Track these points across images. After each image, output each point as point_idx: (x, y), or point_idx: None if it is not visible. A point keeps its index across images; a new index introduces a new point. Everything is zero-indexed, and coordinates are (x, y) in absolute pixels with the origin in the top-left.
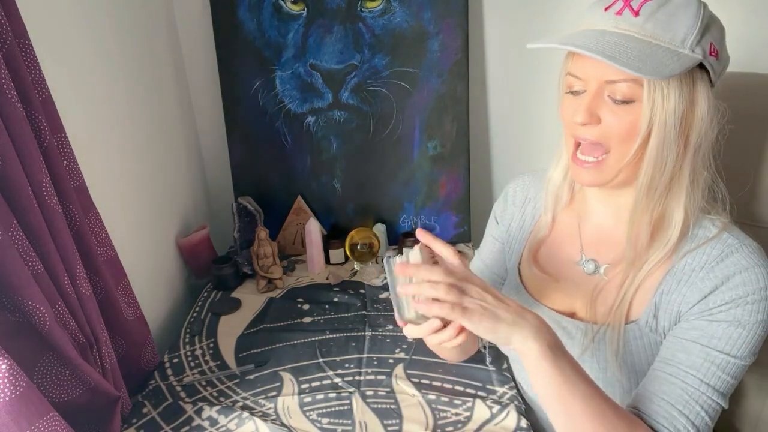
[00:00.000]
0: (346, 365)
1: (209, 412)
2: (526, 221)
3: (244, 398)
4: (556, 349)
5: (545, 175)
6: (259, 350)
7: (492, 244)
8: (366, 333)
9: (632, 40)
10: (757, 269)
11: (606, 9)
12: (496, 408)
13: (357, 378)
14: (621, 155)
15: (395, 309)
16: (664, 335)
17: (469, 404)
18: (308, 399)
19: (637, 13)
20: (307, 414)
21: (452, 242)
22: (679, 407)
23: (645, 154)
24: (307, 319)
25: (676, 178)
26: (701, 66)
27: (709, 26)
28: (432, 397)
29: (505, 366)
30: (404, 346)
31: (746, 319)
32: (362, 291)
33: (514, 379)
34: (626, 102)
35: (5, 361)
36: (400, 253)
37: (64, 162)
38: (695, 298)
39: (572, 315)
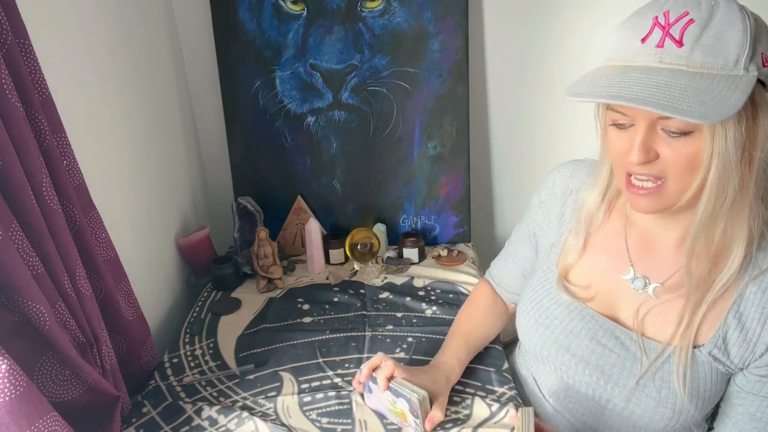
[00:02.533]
0: (346, 365)
1: (209, 412)
2: (566, 214)
3: (244, 398)
4: None
5: (585, 178)
6: (259, 350)
7: (523, 236)
8: (366, 333)
9: (683, 76)
10: None
11: (643, 41)
12: (496, 406)
13: None
14: (682, 186)
15: None
16: (733, 369)
17: (468, 402)
18: (308, 399)
19: (680, 43)
20: (307, 414)
21: (452, 242)
22: None
23: (706, 185)
24: (307, 319)
25: (740, 197)
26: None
27: (758, 35)
28: None
29: (505, 367)
30: (404, 346)
31: None
32: (362, 291)
33: (514, 380)
34: (684, 134)
35: (5, 361)
36: (400, 255)
37: (64, 162)
38: None
39: (616, 322)
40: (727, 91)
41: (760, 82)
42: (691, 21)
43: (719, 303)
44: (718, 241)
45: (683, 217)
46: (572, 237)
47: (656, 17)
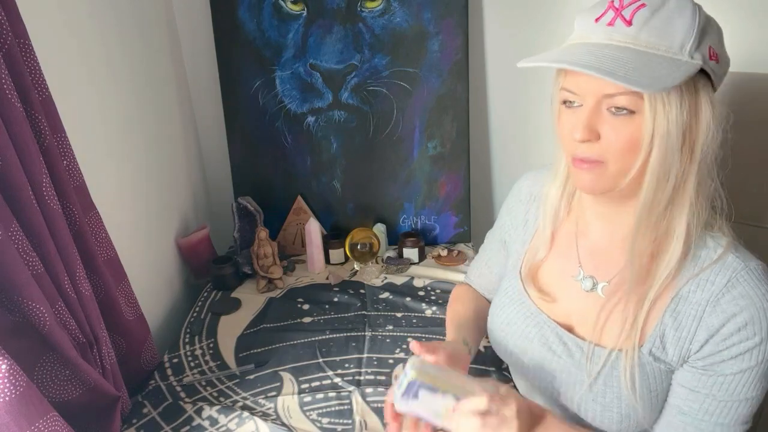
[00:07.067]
0: (346, 365)
1: (209, 411)
2: (530, 221)
3: (244, 398)
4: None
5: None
6: (259, 350)
7: (495, 243)
8: (366, 333)
9: (628, 51)
10: (763, 303)
11: (597, 20)
12: None
13: (357, 378)
14: (623, 167)
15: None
16: (673, 366)
17: None
18: (308, 399)
19: (630, 23)
20: (307, 414)
21: (452, 242)
22: None
23: (647, 168)
24: (307, 319)
25: (680, 190)
26: (702, 71)
27: (707, 29)
28: None
29: (504, 366)
30: (404, 346)
31: (754, 362)
32: (362, 291)
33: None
34: (627, 112)
35: (5, 361)
36: (400, 255)
37: (64, 162)
38: (703, 337)
39: (570, 329)
40: (667, 69)
41: (706, 74)
42: (643, 5)
43: (659, 302)
44: (658, 238)
45: (627, 212)
46: (539, 232)
47: (612, 1)
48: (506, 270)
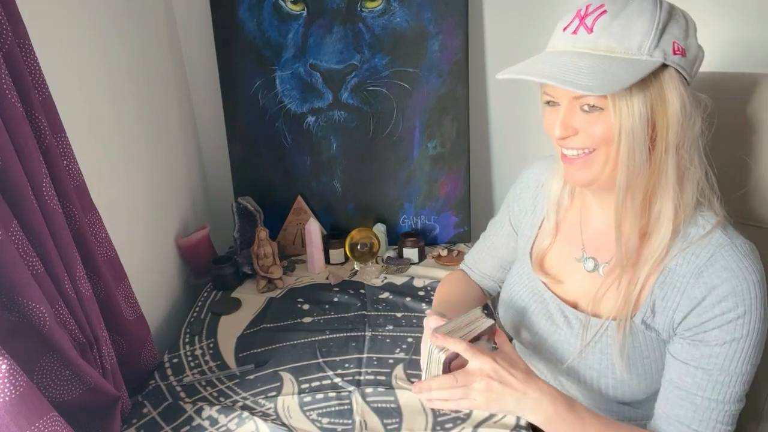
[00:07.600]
0: (346, 365)
1: (209, 411)
2: (538, 206)
3: (244, 398)
4: (554, 417)
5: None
6: (259, 350)
7: (502, 228)
8: (366, 333)
9: (586, 57)
10: (745, 275)
11: (564, 29)
12: None
13: (357, 378)
14: (606, 156)
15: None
16: (661, 335)
17: None
18: (308, 399)
19: (591, 30)
20: (307, 414)
21: (452, 242)
22: (695, 426)
23: (618, 158)
24: (307, 319)
25: (663, 176)
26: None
27: (668, 26)
28: None
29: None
30: (404, 346)
31: (739, 334)
32: (362, 291)
33: None
34: (598, 109)
35: (5, 361)
36: (400, 255)
37: (64, 162)
38: (686, 307)
39: (575, 306)
40: (621, 71)
41: (676, 71)
42: (604, 12)
43: (651, 277)
44: (647, 219)
45: None
46: (545, 223)
47: (579, 10)
48: (518, 254)
